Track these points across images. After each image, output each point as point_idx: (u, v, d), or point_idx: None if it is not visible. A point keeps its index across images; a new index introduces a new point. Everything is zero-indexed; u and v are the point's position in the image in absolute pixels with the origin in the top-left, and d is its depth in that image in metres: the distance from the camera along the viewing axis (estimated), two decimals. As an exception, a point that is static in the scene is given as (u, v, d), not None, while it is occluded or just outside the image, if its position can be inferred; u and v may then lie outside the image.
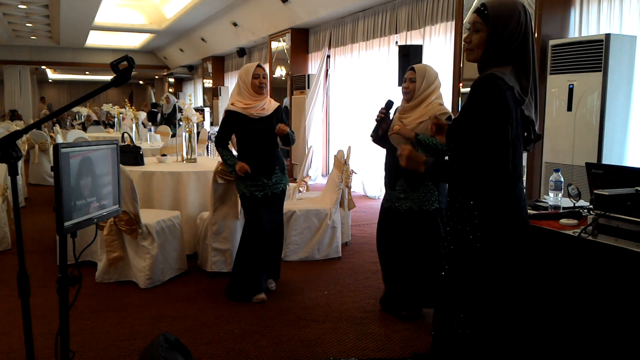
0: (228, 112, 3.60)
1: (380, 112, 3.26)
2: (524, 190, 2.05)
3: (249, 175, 3.54)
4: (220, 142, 3.68)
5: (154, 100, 17.46)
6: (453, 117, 3.16)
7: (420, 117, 3.13)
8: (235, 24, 11.67)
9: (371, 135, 3.38)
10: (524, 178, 4.98)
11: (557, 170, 2.70)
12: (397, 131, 3.09)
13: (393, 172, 3.26)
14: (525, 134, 1.97)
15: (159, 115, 11.92)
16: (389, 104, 3.28)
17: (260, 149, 3.62)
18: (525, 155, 3.84)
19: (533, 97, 1.93)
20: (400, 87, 3.32)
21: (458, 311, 2.00)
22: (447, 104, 6.10)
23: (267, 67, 11.54)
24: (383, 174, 3.44)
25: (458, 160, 1.95)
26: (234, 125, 3.60)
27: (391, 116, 3.33)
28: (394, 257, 3.32)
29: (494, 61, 1.90)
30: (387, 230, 3.33)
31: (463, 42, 2.05)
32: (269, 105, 3.63)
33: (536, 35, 4.75)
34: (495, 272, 1.94)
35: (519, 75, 1.88)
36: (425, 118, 3.09)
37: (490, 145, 1.81)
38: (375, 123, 3.32)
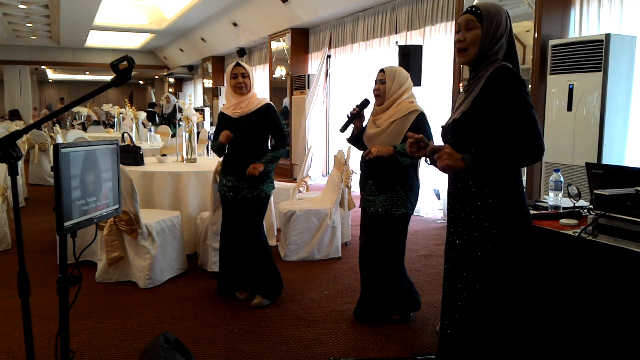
0: (219, 114, 3.62)
1: (353, 109, 3.21)
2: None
3: (227, 171, 3.48)
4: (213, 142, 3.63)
5: (153, 100, 17.46)
6: (426, 115, 3.12)
7: (392, 116, 3.08)
8: (235, 24, 11.67)
9: (340, 130, 3.26)
10: (524, 178, 4.99)
11: (557, 170, 2.70)
12: (375, 154, 2.98)
13: (363, 173, 3.22)
14: None
15: (157, 116, 11.91)
16: (365, 103, 3.24)
17: (238, 148, 3.46)
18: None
19: None
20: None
21: (477, 298, 2.00)
22: (447, 105, 6.15)
23: (266, 67, 11.56)
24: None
25: (505, 145, 1.94)
26: (221, 126, 3.54)
27: (366, 118, 3.29)
28: (366, 260, 3.27)
29: (489, 58, 1.99)
30: (362, 232, 3.29)
31: (455, 44, 2.06)
32: (250, 103, 3.46)
33: (536, 35, 4.75)
34: (512, 257, 1.99)
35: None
36: (397, 117, 3.05)
37: (533, 121, 1.90)
38: (346, 118, 3.24)
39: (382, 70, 3.17)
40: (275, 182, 3.68)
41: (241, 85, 3.43)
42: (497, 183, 1.98)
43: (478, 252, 2.00)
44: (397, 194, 3.09)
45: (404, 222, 3.15)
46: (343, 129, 3.26)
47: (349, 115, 3.23)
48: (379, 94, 3.14)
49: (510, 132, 1.91)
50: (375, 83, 3.17)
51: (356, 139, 3.31)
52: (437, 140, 3.08)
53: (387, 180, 3.10)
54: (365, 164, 3.21)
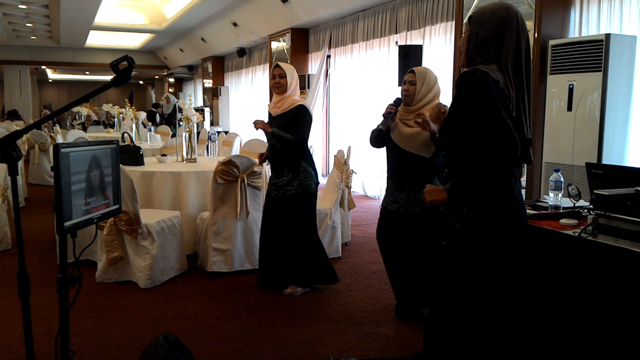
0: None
1: (390, 107, 3.21)
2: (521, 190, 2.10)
3: (272, 171, 3.74)
4: None
5: (154, 101, 17.46)
6: None
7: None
8: (235, 24, 11.67)
9: (380, 128, 3.22)
10: (524, 178, 4.98)
11: (557, 170, 2.70)
12: (423, 122, 2.90)
13: (401, 173, 3.20)
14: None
15: (158, 115, 11.91)
16: (398, 101, 3.23)
17: (273, 147, 3.67)
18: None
19: (523, 100, 1.98)
20: (400, 87, 3.31)
21: (449, 306, 2.04)
22: (447, 105, 6.15)
23: (266, 67, 11.55)
24: (383, 174, 3.41)
25: (466, 165, 1.96)
26: (268, 122, 3.70)
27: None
28: (402, 261, 3.26)
29: (474, 61, 1.99)
30: (394, 234, 3.26)
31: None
32: (285, 104, 3.62)
33: (536, 35, 4.75)
34: (481, 268, 1.98)
35: (504, 74, 1.94)
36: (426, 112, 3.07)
37: (491, 124, 1.86)
38: (382, 118, 3.24)
39: (412, 71, 3.17)
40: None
41: (278, 85, 3.61)
42: (477, 193, 1.97)
43: (449, 260, 2.04)
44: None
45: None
46: (385, 128, 3.20)
47: (385, 115, 3.22)
48: (408, 94, 3.14)
49: (478, 137, 1.90)
50: (404, 83, 3.17)
51: (383, 138, 3.27)
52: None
53: (428, 178, 3.10)
54: (399, 164, 3.20)
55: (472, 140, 1.91)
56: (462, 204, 1.99)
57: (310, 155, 3.72)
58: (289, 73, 3.62)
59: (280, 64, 3.65)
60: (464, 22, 2.07)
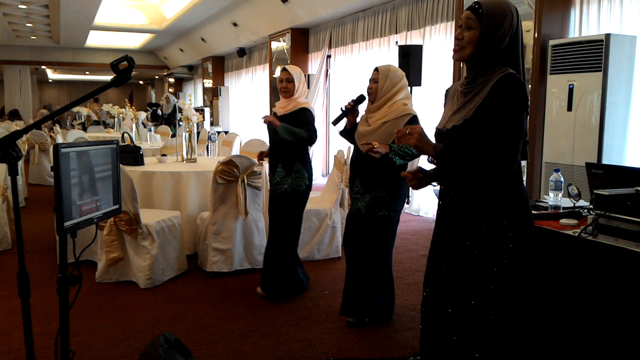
0: (273, 113, 3.79)
1: (348, 103, 3.21)
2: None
3: (269, 169, 3.77)
4: None
5: (154, 100, 17.46)
6: (418, 119, 3.10)
7: (384, 117, 3.07)
8: (235, 24, 11.67)
9: (332, 123, 3.28)
10: (524, 178, 4.99)
11: (557, 170, 2.70)
12: (371, 150, 2.92)
13: (352, 171, 3.23)
14: None
15: (160, 112, 11.90)
16: (361, 98, 3.22)
17: (272, 145, 3.71)
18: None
19: None
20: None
21: (488, 313, 1.91)
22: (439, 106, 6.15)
23: (266, 67, 11.55)
24: None
25: (473, 150, 1.88)
26: None
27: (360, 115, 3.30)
28: (350, 258, 3.28)
29: (484, 61, 1.90)
30: (347, 231, 3.29)
31: (455, 39, 1.97)
32: (290, 105, 3.65)
33: (536, 35, 4.75)
34: (527, 270, 1.92)
35: (522, 79, 1.89)
36: (388, 118, 3.04)
37: (511, 138, 1.81)
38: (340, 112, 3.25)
39: (376, 69, 3.16)
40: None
41: (285, 89, 3.65)
42: (505, 195, 1.90)
43: (494, 267, 1.91)
44: (380, 195, 3.08)
45: (384, 224, 3.12)
46: (335, 122, 3.25)
47: (343, 109, 3.22)
48: (372, 92, 3.13)
49: (491, 139, 1.83)
50: (370, 81, 3.16)
51: (348, 133, 3.31)
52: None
53: (373, 179, 3.09)
54: (354, 162, 3.22)
55: (483, 139, 1.85)
56: (498, 209, 1.89)
57: (308, 157, 3.71)
58: (296, 77, 3.64)
59: (288, 67, 3.67)
60: (465, 15, 1.92)
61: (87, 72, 24.19)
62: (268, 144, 3.84)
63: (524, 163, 4.28)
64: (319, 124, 9.56)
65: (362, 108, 3.32)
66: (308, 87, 9.49)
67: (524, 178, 5.01)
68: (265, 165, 4.12)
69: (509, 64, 1.90)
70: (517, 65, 1.91)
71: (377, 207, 3.09)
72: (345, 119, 3.27)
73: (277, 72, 4.14)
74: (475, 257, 1.93)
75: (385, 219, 3.12)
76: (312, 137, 3.57)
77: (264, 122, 3.63)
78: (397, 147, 2.93)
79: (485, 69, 1.92)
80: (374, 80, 3.14)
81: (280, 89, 3.66)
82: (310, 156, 3.81)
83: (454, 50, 1.98)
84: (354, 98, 3.24)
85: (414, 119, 3.04)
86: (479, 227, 1.92)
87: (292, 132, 3.50)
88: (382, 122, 3.06)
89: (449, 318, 1.99)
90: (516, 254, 1.89)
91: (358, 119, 3.30)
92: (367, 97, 3.20)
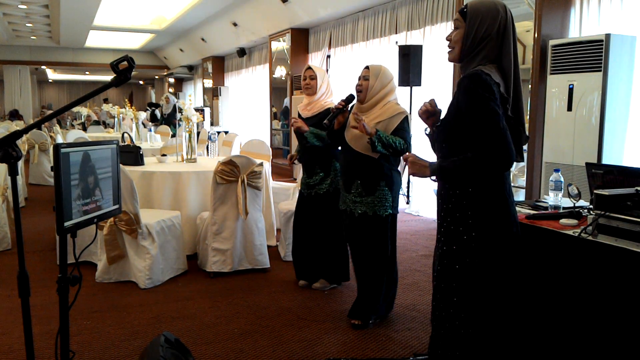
0: (298, 113, 3.81)
1: (339, 103, 3.18)
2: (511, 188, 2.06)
3: (304, 172, 3.81)
4: None
5: (154, 100, 17.46)
6: (410, 118, 3.14)
7: (378, 117, 3.06)
8: (235, 24, 11.67)
9: (324, 124, 3.22)
10: (524, 178, 4.99)
11: (557, 170, 2.70)
12: (359, 123, 2.91)
13: (349, 173, 3.17)
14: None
15: (158, 113, 11.89)
16: (350, 98, 3.20)
17: (304, 148, 3.73)
18: (525, 155, 3.84)
19: (517, 97, 1.96)
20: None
21: (458, 311, 2.01)
22: (447, 105, 6.15)
23: (266, 67, 11.56)
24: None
25: (467, 156, 1.92)
26: None
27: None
28: (358, 262, 3.27)
29: (473, 59, 1.94)
30: (351, 237, 3.26)
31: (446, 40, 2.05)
32: (314, 107, 3.66)
33: (536, 35, 4.75)
34: (490, 271, 1.96)
35: (504, 75, 1.92)
36: (383, 118, 3.04)
37: (490, 133, 1.83)
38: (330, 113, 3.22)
39: (367, 67, 3.15)
40: (275, 182, 3.71)
41: (308, 86, 3.67)
42: (476, 195, 1.95)
43: (456, 265, 1.99)
44: (384, 194, 3.09)
45: (390, 222, 3.16)
46: (329, 123, 3.20)
47: (334, 110, 3.19)
48: (361, 89, 3.12)
49: (476, 142, 1.87)
50: (359, 79, 3.15)
51: (336, 134, 3.26)
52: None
53: (375, 180, 3.09)
54: (349, 164, 3.18)
55: (472, 145, 1.89)
56: (466, 208, 1.95)
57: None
58: (319, 75, 3.66)
59: (312, 65, 3.72)
60: (455, 16, 2.01)
61: (87, 72, 24.21)
62: (296, 146, 3.86)
63: (524, 162, 4.30)
64: (319, 124, 9.56)
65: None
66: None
67: (524, 178, 5.00)
68: (266, 165, 4.12)
69: (497, 61, 1.93)
70: (506, 62, 1.93)
71: (382, 206, 3.10)
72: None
73: (278, 72, 4.14)
74: (444, 253, 2.03)
75: (392, 217, 3.16)
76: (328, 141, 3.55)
77: (294, 128, 3.65)
78: (382, 134, 2.93)
79: (468, 68, 1.95)
80: (364, 78, 3.13)
81: (304, 86, 3.69)
82: None
83: (448, 53, 2.04)
84: (344, 98, 3.21)
85: (405, 119, 3.07)
86: (450, 224, 2.00)
87: (320, 138, 3.51)
88: (376, 122, 3.05)
89: (434, 313, 2.12)
90: (479, 254, 1.94)
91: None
92: (355, 96, 3.19)
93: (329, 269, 3.83)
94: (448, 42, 2.00)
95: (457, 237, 1.98)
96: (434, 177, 1.99)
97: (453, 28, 1.99)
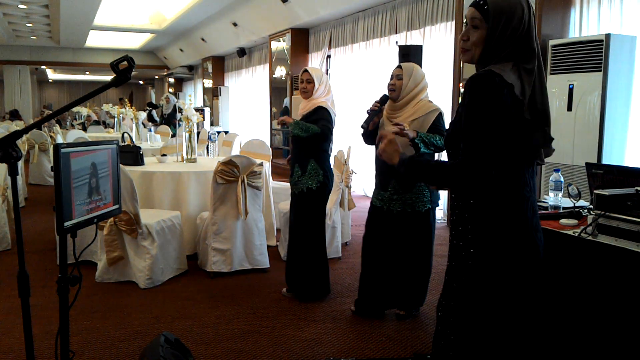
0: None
1: (374, 104, 3.21)
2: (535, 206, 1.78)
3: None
4: None
5: (154, 101, 17.46)
6: (444, 114, 3.15)
7: (412, 115, 3.10)
8: (235, 24, 11.67)
9: (362, 127, 3.25)
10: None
11: (557, 170, 2.70)
12: (400, 132, 2.92)
13: (385, 172, 3.21)
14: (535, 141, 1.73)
15: (155, 114, 11.89)
16: (385, 98, 3.23)
17: (292, 147, 3.75)
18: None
19: (534, 97, 1.70)
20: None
21: (453, 331, 1.85)
22: (447, 105, 6.15)
23: (266, 67, 11.55)
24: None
25: (445, 162, 1.78)
26: None
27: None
28: (382, 258, 3.28)
29: (494, 60, 1.71)
30: (378, 231, 3.29)
31: (460, 40, 1.79)
32: (308, 105, 3.68)
33: (536, 35, 4.75)
34: (488, 297, 1.74)
35: (520, 73, 1.68)
36: (417, 116, 3.08)
37: (476, 145, 1.63)
38: (366, 115, 3.24)
39: (399, 66, 3.18)
40: (275, 182, 3.70)
41: (305, 90, 3.67)
42: (479, 208, 1.72)
43: (454, 283, 1.81)
44: (422, 189, 3.14)
45: (431, 216, 3.21)
46: (367, 125, 3.21)
47: (370, 112, 3.22)
48: (394, 88, 3.15)
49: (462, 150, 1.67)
50: (392, 78, 3.17)
51: (370, 135, 3.27)
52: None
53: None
54: (383, 163, 3.15)
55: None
56: (467, 221, 1.75)
57: (324, 155, 3.66)
58: (316, 78, 3.64)
59: (308, 68, 3.67)
60: (470, 13, 1.72)
61: (87, 72, 24.21)
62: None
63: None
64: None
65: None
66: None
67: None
68: (266, 165, 4.12)
69: (520, 59, 1.69)
70: (530, 60, 1.70)
71: (420, 202, 3.14)
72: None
73: (278, 72, 4.15)
74: (447, 269, 1.87)
75: (431, 212, 3.21)
76: (324, 132, 3.54)
77: (278, 123, 3.64)
78: (424, 134, 2.98)
79: (484, 67, 1.74)
80: (397, 77, 3.15)
81: (301, 89, 3.69)
82: (330, 154, 3.79)
83: (462, 52, 1.79)
84: (377, 100, 3.23)
85: (440, 115, 3.11)
86: (453, 237, 1.83)
87: (304, 128, 3.48)
88: (410, 120, 3.09)
89: (436, 327, 1.97)
90: (477, 273, 1.73)
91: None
92: (388, 95, 3.20)
93: (295, 277, 3.73)
94: (463, 42, 1.74)
95: (457, 252, 1.79)
96: (397, 167, 1.81)
97: (469, 26, 1.72)
